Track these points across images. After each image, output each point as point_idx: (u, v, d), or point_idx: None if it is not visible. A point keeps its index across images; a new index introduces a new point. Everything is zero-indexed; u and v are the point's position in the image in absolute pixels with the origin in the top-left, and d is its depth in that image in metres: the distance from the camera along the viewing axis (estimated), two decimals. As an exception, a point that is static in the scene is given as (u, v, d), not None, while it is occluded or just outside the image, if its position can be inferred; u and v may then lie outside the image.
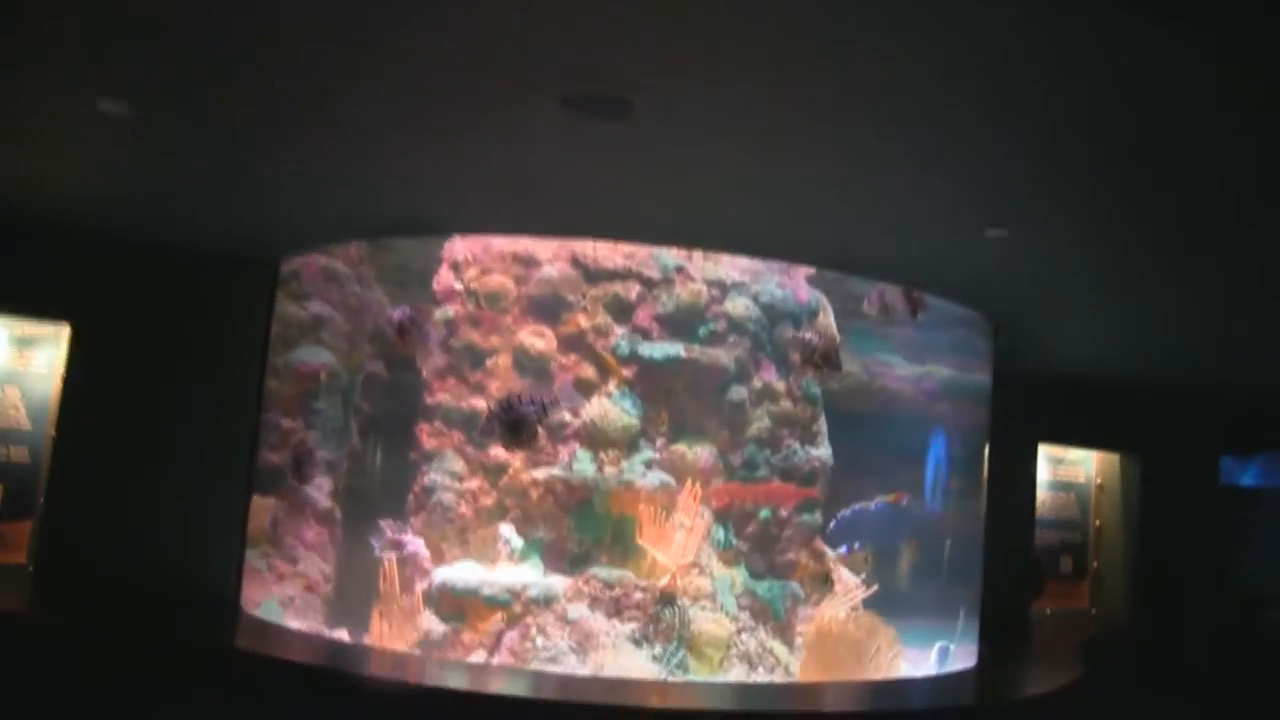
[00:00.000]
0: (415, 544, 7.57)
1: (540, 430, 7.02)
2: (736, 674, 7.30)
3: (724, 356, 7.74)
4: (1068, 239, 6.25)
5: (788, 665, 7.52)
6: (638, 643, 7.15)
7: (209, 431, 8.18)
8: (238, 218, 7.31)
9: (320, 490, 8.38)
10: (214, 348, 8.28)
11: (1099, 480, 11.63)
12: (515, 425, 6.82)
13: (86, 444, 8.07)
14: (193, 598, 7.93)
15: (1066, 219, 5.89)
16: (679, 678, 7.08)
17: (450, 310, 8.01)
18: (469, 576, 7.28)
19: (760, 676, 7.39)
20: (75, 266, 8.02)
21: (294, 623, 7.71)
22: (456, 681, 6.34)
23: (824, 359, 7.67)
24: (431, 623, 7.31)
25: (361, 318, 8.51)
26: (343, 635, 7.61)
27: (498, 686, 6.17)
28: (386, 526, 7.66)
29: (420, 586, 7.50)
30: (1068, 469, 11.57)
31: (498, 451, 7.59)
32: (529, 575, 7.29)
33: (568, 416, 7.64)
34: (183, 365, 8.24)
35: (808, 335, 7.73)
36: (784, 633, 7.74)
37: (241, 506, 8.06)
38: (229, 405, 8.22)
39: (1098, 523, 11.56)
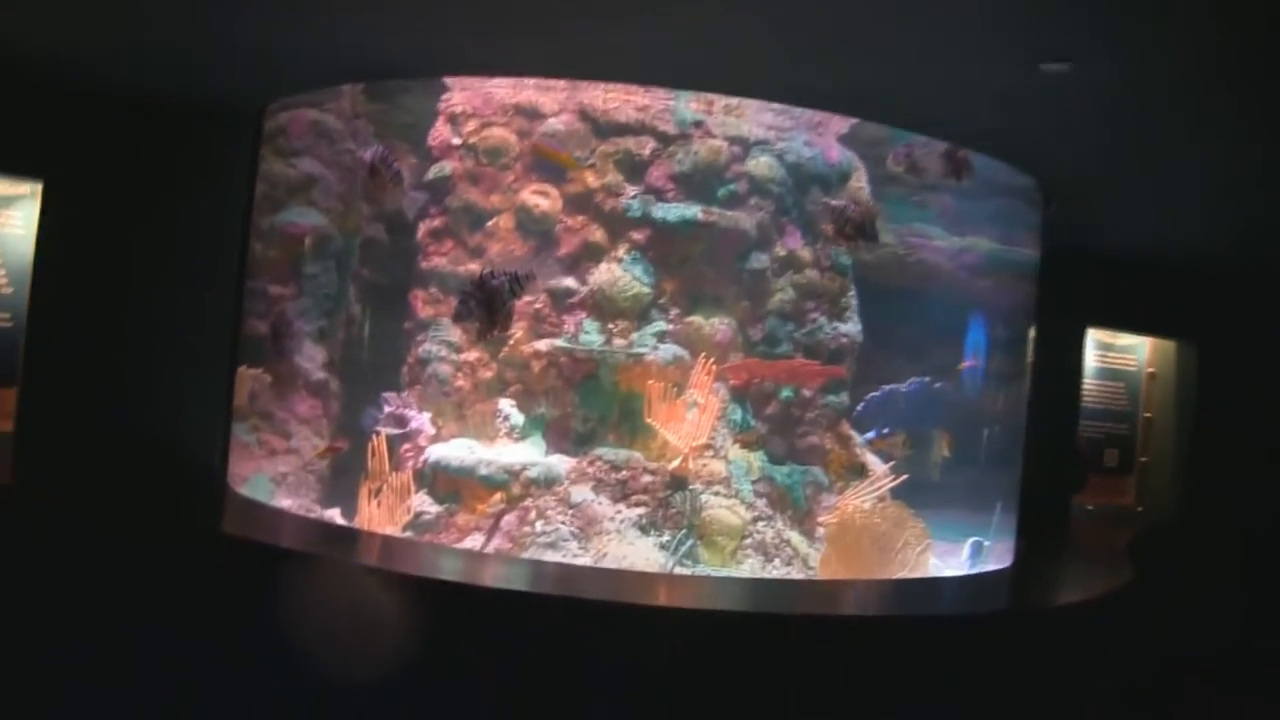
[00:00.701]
0: (420, 419, 7.13)
1: (512, 306, 6.37)
2: (750, 567, 6.86)
3: (745, 220, 7.22)
4: (1144, 78, 5.45)
5: (806, 558, 7.07)
6: (644, 529, 6.74)
7: (190, 297, 7.67)
8: (217, 58, 6.65)
9: (313, 361, 7.93)
10: (194, 207, 7.74)
11: (1151, 369, 10.94)
12: (489, 303, 6.22)
13: (63, 309, 7.59)
14: (179, 470, 7.49)
15: (1144, 51, 5.10)
16: (687, 569, 6.65)
17: (447, 167, 7.49)
18: (465, 455, 6.92)
19: (776, 570, 6.93)
20: (44, 119, 7.45)
21: (286, 500, 7.40)
22: (443, 569, 5.82)
23: (858, 230, 7.01)
24: (424, 504, 6.91)
25: (357, 177, 7.80)
26: (335, 515, 7.23)
27: (487, 578, 5.63)
28: (388, 400, 7.20)
29: (412, 464, 7.10)
30: (1117, 356, 10.89)
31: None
32: (529, 454, 6.95)
33: (573, 283, 7.16)
34: (161, 226, 7.71)
35: (841, 203, 7.05)
36: (803, 523, 7.31)
37: (226, 377, 7.57)
38: (211, 269, 7.71)
39: (1148, 414, 10.90)
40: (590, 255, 7.10)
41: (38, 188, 8.07)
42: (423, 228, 7.54)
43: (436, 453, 7.02)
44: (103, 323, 7.61)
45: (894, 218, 7.82)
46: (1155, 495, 10.81)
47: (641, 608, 5.06)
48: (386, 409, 7.15)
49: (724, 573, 6.72)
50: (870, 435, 7.93)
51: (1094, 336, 10.59)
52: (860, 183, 7.86)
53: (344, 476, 7.26)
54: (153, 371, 7.60)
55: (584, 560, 6.56)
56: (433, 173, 7.51)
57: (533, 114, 7.32)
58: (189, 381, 7.61)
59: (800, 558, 7.06)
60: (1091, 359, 10.65)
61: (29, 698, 5.51)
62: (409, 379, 7.44)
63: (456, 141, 7.44)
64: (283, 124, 8.02)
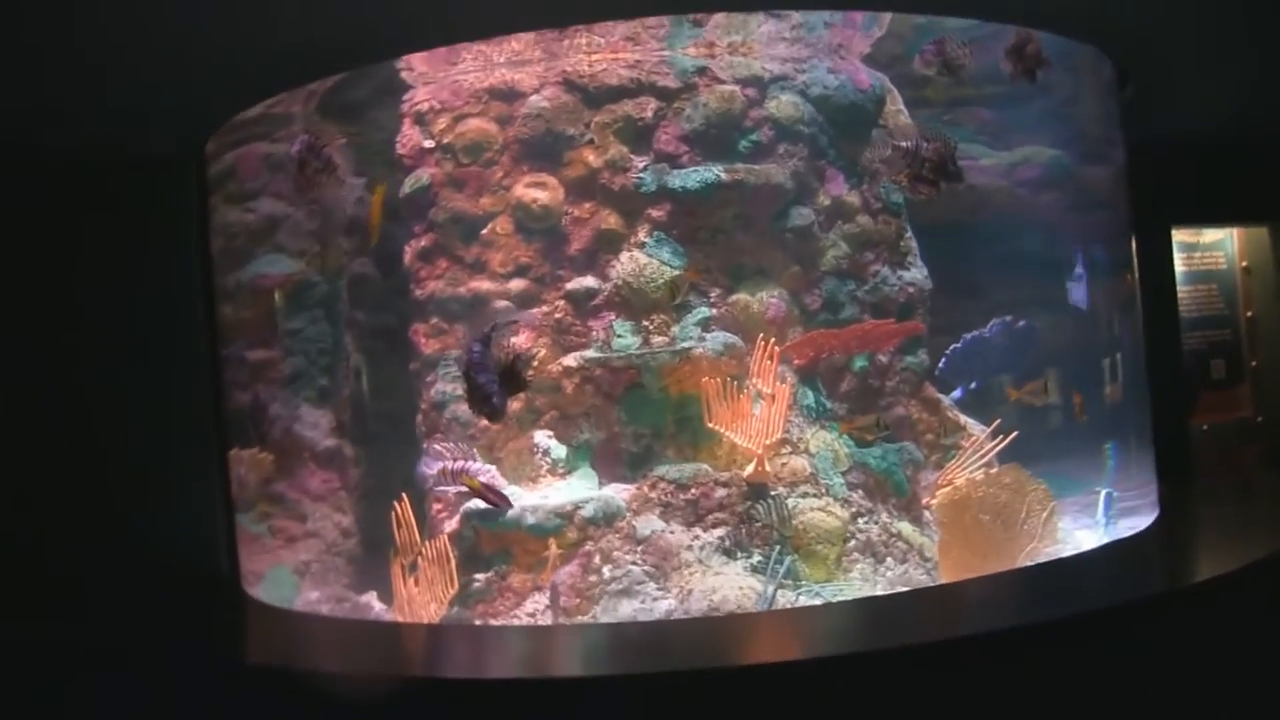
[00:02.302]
0: (487, 471, 6.31)
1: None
2: (860, 573, 6.08)
3: (777, 173, 6.48)
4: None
5: (922, 549, 6.29)
6: (729, 553, 6.00)
7: (158, 378, 6.80)
8: (135, 93, 5.79)
9: (318, 428, 7.24)
10: (138, 278, 6.84)
11: (1244, 263, 9.96)
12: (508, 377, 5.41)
13: (11, 414, 6.70)
14: (180, 579, 6.64)
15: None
16: (789, 589, 5.88)
17: (424, 175, 6.74)
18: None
19: (891, 571, 6.16)
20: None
21: (313, 592, 6.78)
22: (496, 660, 4.91)
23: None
24: (469, 571, 6.13)
25: (330, 208, 7.28)
26: (372, 601, 6.56)
27: (552, 663, 4.74)
28: (443, 450, 6.40)
29: (449, 526, 6.33)
30: (1203, 255, 9.92)
31: (515, 340, 6.33)
32: (580, 490, 6.25)
33: (593, 281, 6.44)
34: (104, 306, 6.82)
35: (909, 143, 6.14)
36: (910, 509, 6.53)
37: (217, 463, 6.72)
38: (175, 343, 6.84)
39: (1249, 313, 9.92)
40: (607, 245, 6.45)
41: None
42: (409, 251, 6.79)
43: (473, 508, 6.20)
44: (62, 433, 6.73)
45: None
46: (1276, 400, 9.82)
47: (772, 669, 4.13)
48: (440, 464, 6.27)
49: (836, 589, 5.93)
50: (957, 394, 7.16)
51: (1175, 238, 9.60)
52: (897, 105, 7.08)
53: (377, 552, 6.53)
54: (129, 470, 6.72)
55: (667, 604, 5.81)
56: (408, 185, 6.75)
57: (511, 95, 6.58)
58: (173, 475, 6.75)
59: (915, 550, 6.29)
60: (1176, 263, 9.66)
61: None
62: (426, 427, 6.67)
63: (429, 144, 6.68)
64: (229, 166, 7.27)
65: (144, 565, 6.57)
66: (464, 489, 6.06)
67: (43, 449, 6.75)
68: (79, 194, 6.84)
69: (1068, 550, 6.28)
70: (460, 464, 6.26)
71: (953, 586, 5.88)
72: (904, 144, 6.06)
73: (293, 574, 6.85)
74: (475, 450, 6.43)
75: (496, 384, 5.28)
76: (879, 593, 5.95)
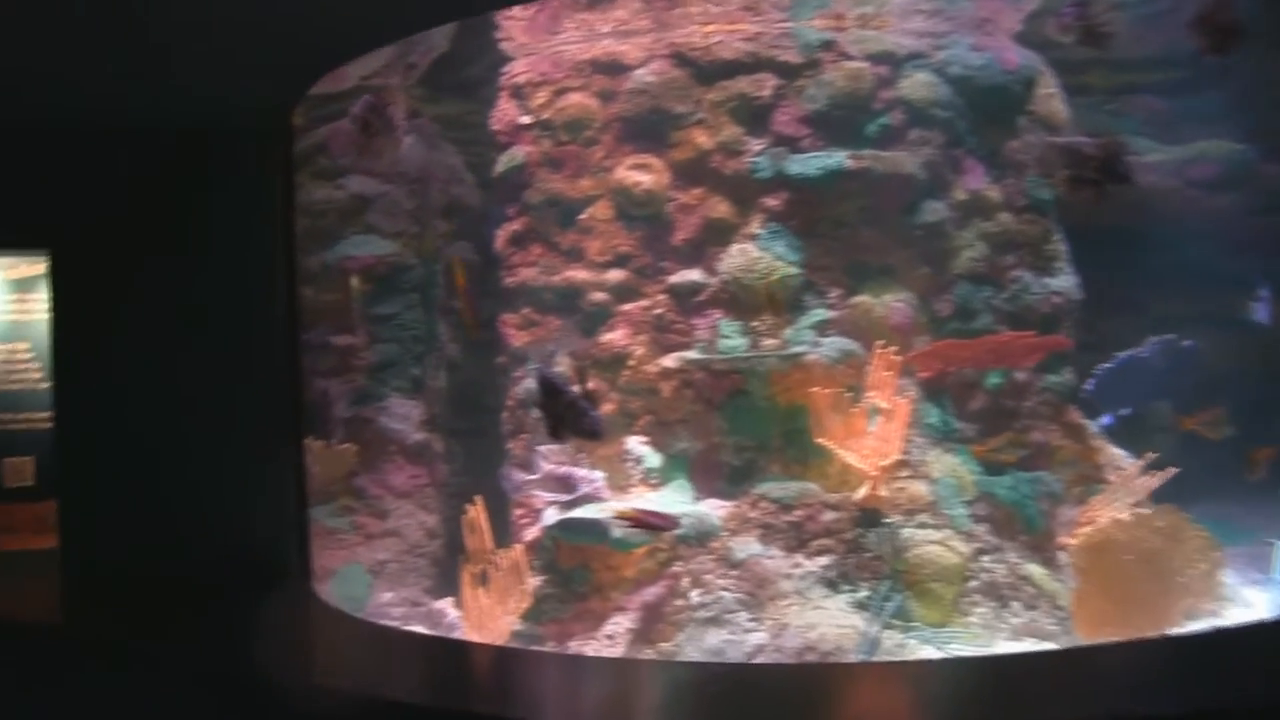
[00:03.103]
0: (593, 480, 5.93)
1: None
2: (980, 618, 5.51)
3: (908, 161, 6.08)
4: None
5: (1054, 596, 5.66)
6: (833, 585, 5.54)
7: (234, 364, 6.49)
8: (217, 63, 5.48)
9: (408, 420, 6.89)
10: (221, 256, 6.55)
11: None
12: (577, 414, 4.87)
13: (89, 400, 6.53)
14: (249, 574, 6.33)
15: None
16: (897, 630, 5.34)
17: (519, 154, 6.50)
18: (591, 514, 5.77)
19: (1016, 618, 5.56)
20: (30, 171, 6.36)
21: (387, 594, 6.47)
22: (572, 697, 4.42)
23: (1104, 171, 5.36)
24: (543, 586, 5.75)
25: (428, 187, 7.11)
26: (446, 609, 6.20)
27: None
28: (545, 455, 6.08)
29: (530, 534, 5.96)
30: None
31: (612, 336, 6.19)
32: (673, 504, 5.83)
33: (698, 275, 6.09)
34: (184, 284, 6.55)
35: (1073, 139, 5.49)
36: (1042, 548, 5.92)
37: (292, 454, 6.41)
38: (254, 327, 6.52)
39: None
40: (715, 236, 6.11)
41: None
42: (500, 236, 6.55)
43: (555, 516, 5.82)
44: (138, 410, 6.50)
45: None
46: None
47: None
48: (544, 467, 5.89)
49: (951, 636, 5.37)
50: (1104, 420, 6.54)
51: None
52: (1049, 89, 6.51)
53: (460, 555, 6.16)
54: (203, 459, 6.45)
55: (759, 637, 5.35)
56: (502, 164, 6.53)
57: (615, 69, 6.32)
58: (248, 465, 6.43)
59: (1046, 596, 5.67)
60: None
61: None
62: (510, 426, 6.38)
63: (526, 120, 6.45)
64: (319, 141, 7.00)
65: (207, 556, 6.27)
66: (563, 497, 5.67)
67: (124, 437, 6.53)
68: (160, 168, 6.58)
69: (1233, 611, 5.66)
70: (566, 469, 5.85)
71: (1091, 651, 5.19)
72: (1064, 140, 5.37)
73: (367, 573, 6.61)
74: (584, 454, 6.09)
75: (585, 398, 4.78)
76: (1001, 644, 5.41)
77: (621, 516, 5.39)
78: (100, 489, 6.47)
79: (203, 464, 6.43)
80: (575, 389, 4.58)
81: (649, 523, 5.40)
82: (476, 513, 5.76)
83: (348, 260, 6.98)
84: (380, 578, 6.59)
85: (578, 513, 5.78)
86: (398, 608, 6.35)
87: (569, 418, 4.67)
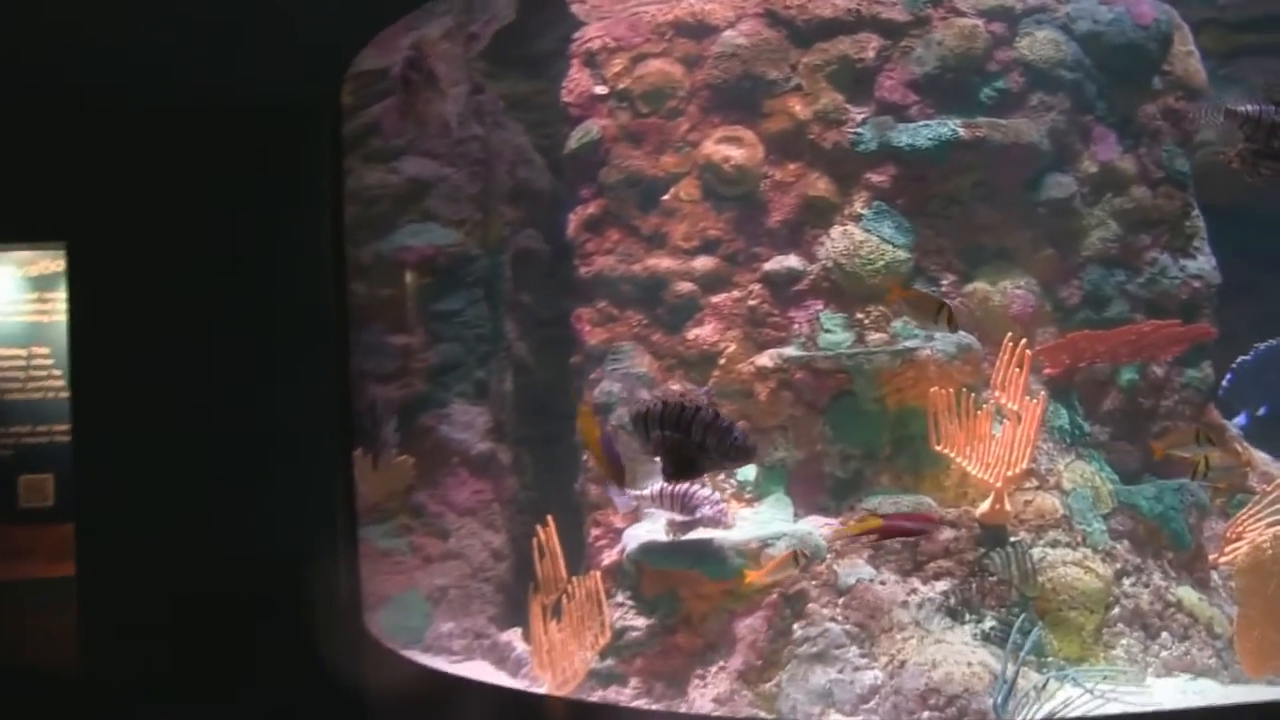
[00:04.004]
0: (713, 503, 5.33)
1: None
2: (1126, 649, 5.01)
3: (1029, 130, 5.67)
4: None
5: (1210, 624, 5.14)
6: (955, 614, 5.02)
7: (274, 370, 6.10)
8: (256, 29, 5.11)
9: (472, 428, 6.49)
10: (259, 249, 6.18)
11: None
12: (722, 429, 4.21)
13: (112, 408, 6.18)
14: (290, 603, 5.95)
15: None
16: (1031, 667, 4.79)
17: (594, 128, 6.12)
18: (681, 537, 5.35)
19: (1169, 651, 5.07)
20: (46, 155, 5.99)
21: (447, 624, 6.08)
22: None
23: None
24: (626, 617, 5.25)
25: (493, 169, 6.77)
26: (514, 641, 5.80)
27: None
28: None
29: (606, 559, 5.57)
30: None
31: (699, 332, 5.82)
32: (771, 522, 5.41)
33: (796, 262, 5.75)
34: (219, 280, 6.17)
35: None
36: (1192, 567, 5.40)
37: (339, 467, 6.00)
38: (298, 326, 6.14)
39: None
40: (815, 217, 5.76)
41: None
42: (573, 221, 6.15)
43: (635, 535, 5.37)
44: (166, 420, 6.12)
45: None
46: None
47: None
48: (655, 486, 5.36)
49: (1094, 674, 4.82)
50: (1240, 420, 6.14)
51: None
52: (1187, 46, 6.08)
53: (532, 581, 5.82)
54: (239, 474, 6.05)
55: (872, 675, 4.84)
56: (575, 140, 6.15)
57: (700, 31, 5.98)
58: (290, 479, 6.03)
59: (1201, 624, 5.15)
60: None
61: None
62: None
63: (600, 90, 6.12)
64: (370, 121, 6.72)
65: (245, 583, 5.88)
66: (678, 518, 5.11)
67: (148, 450, 6.16)
68: (191, 152, 6.19)
69: None
70: (685, 486, 5.26)
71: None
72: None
73: (425, 600, 6.22)
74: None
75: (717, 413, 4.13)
76: (1150, 681, 4.94)
77: (861, 530, 4.77)
78: (122, 509, 6.11)
79: (239, 480, 6.09)
80: (697, 405, 3.95)
81: (902, 529, 4.83)
82: (548, 534, 5.27)
83: (404, 251, 6.63)
84: (440, 605, 6.22)
85: (662, 532, 5.27)
86: (459, 639, 5.97)
87: (709, 442, 4.00)
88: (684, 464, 4.11)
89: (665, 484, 5.10)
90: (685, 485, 5.17)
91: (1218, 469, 5.02)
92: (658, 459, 4.19)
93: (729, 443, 3.89)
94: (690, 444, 3.99)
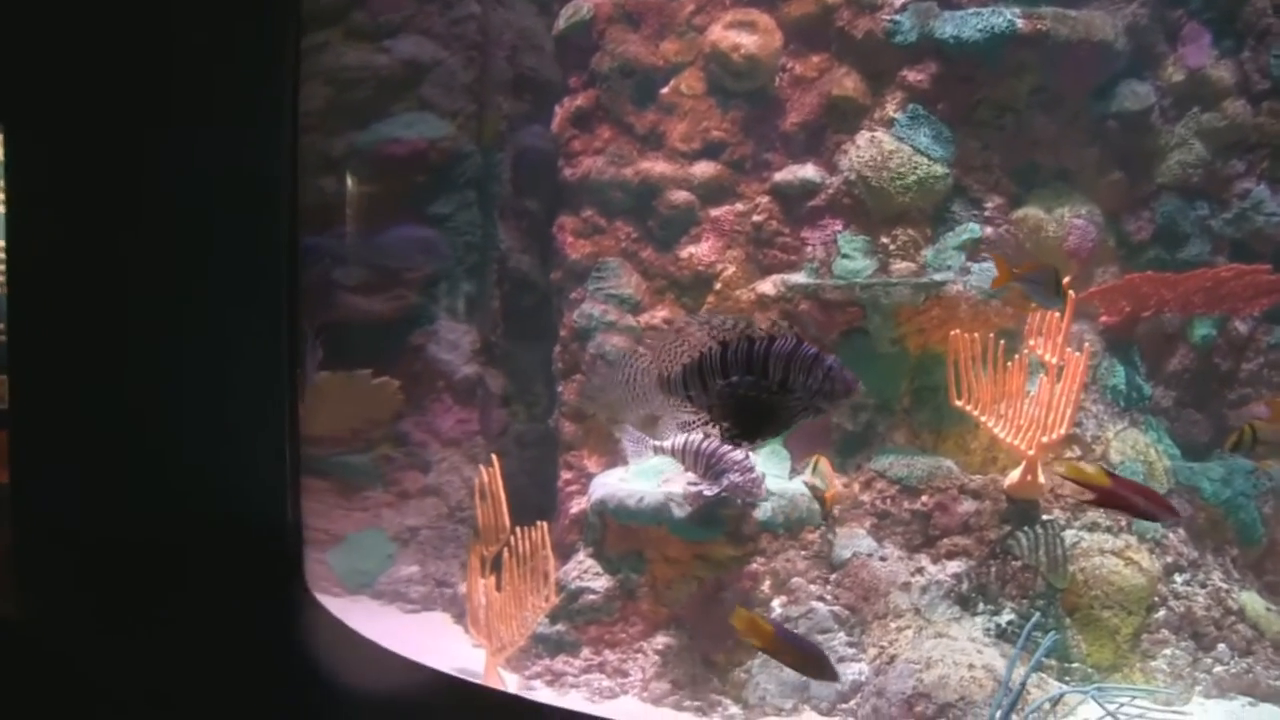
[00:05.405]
0: (749, 466, 4.56)
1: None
2: (1170, 661, 4.33)
3: (1102, 25, 4.95)
4: None
5: (1279, 641, 4.44)
6: (966, 601, 4.41)
7: (217, 272, 5.51)
8: None
9: (457, 349, 5.99)
10: (200, 130, 5.54)
11: None
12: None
13: (43, 306, 5.57)
14: (229, 542, 5.42)
15: None
16: (1050, 674, 4.20)
17: (586, 7, 5.54)
18: (647, 489, 4.69)
19: (1224, 668, 4.35)
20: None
21: (410, 567, 5.71)
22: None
23: None
24: (584, 577, 4.66)
25: (490, 55, 6.13)
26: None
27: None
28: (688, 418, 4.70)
29: (574, 507, 5.10)
30: None
31: (695, 250, 5.24)
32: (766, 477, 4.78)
33: (812, 173, 5.12)
34: (170, 167, 5.56)
35: None
36: (1261, 569, 4.74)
37: (286, 384, 5.41)
38: (244, 224, 5.52)
39: None
40: (838, 120, 5.17)
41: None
42: (560, 113, 5.56)
43: (604, 487, 4.75)
44: (103, 321, 5.54)
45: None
46: None
47: None
48: (676, 438, 4.64)
49: (1131, 691, 4.10)
50: None
51: None
52: None
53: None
54: (176, 387, 5.48)
55: (857, 669, 4.23)
56: (564, 20, 5.60)
57: None
58: (235, 401, 5.45)
59: (1269, 640, 4.43)
60: None
61: None
62: (563, 364, 5.42)
63: None
64: None
65: (184, 511, 5.36)
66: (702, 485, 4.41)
67: (71, 349, 5.63)
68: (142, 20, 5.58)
69: None
70: (715, 444, 4.51)
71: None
72: None
73: (390, 541, 5.81)
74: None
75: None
76: (1198, 702, 4.25)
77: (1083, 480, 3.74)
78: (54, 420, 5.61)
79: (181, 394, 5.52)
80: (770, 334, 2.92)
81: (1129, 503, 3.76)
82: (491, 475, 4.61)
83: (392, 144, 6.04)
84: (410, 547, 5.81)
85: (633, 484, 4.63)
86: (419, 586, 5.53)
87: (795, 382, 2.90)
88: (762, 418, 3.00)
89: (692, 436, 4.38)
90: (714, 442, 4.46)
91: (1270, 441, 4.27)
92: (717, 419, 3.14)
93: (822, 378, 2.79)
94: (766, 388, 2.91)
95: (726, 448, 4.43)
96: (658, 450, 4.56)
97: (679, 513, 4.42)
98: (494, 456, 4.78)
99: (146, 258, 5.42)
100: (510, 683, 4.41)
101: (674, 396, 2.71)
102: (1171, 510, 3.53)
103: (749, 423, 2.76)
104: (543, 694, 4.35)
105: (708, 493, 4.36)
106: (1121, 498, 3.28)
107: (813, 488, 4.51)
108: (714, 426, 2.72)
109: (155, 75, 5.38)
